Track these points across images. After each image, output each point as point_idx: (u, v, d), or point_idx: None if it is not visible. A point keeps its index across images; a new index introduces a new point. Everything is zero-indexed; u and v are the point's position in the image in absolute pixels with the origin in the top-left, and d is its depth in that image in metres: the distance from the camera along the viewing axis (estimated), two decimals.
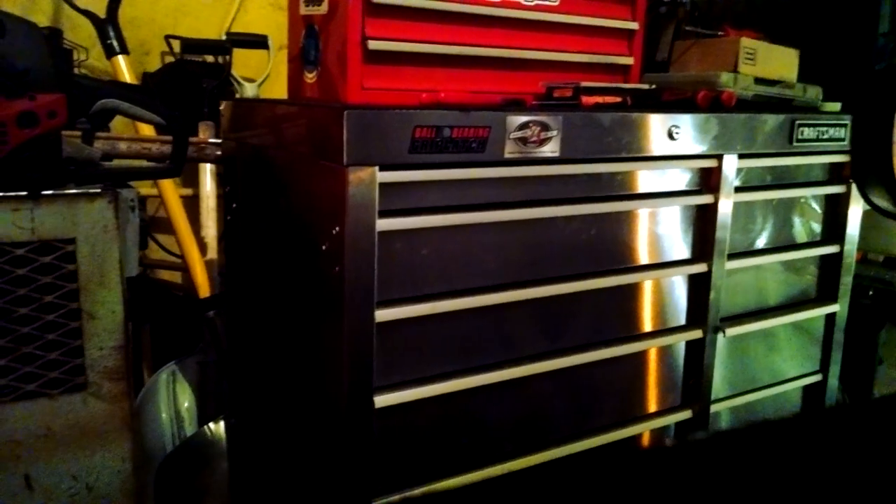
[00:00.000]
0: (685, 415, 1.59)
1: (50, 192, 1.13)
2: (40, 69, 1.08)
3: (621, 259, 1.45)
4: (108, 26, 1.96)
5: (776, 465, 0.59)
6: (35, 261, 1.14)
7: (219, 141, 1.68)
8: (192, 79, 2.08)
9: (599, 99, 1.39)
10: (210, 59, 2.18)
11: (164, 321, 2.19)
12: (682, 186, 1.50)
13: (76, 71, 1.99)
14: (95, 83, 1.36)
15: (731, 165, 1.51)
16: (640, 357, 1.53)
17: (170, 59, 2.21)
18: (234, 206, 1.59)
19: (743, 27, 1.90)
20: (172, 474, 1.76)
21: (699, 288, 1.55)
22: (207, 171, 2.11)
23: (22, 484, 1.19)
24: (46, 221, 1.14)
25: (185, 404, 1.91)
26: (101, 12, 1.96)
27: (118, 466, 1.25)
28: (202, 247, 2.09)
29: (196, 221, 2.11)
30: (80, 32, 2.04)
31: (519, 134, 1.22)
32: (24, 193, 1.12)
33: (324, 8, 1.39)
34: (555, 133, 1.26)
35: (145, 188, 2.10)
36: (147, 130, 1.90)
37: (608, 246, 1.42)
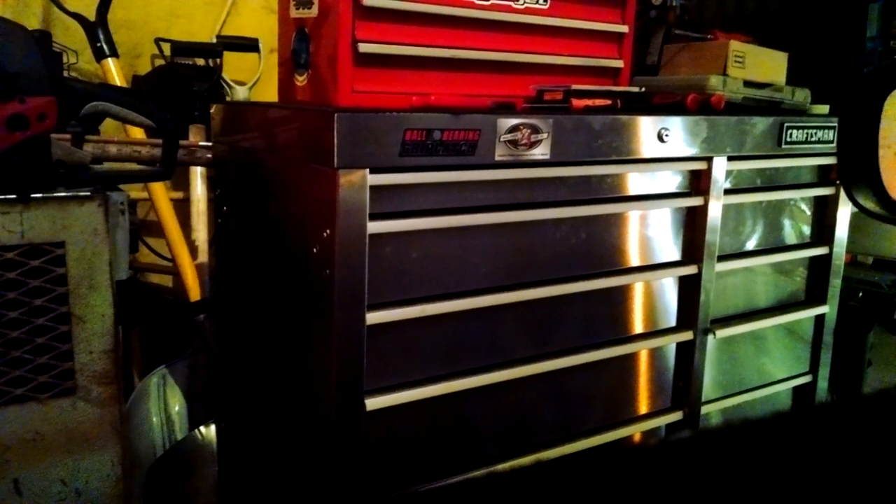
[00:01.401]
0: (675, 416, 1.60)
1: (39, 195, 1.13)
2: (31, 72, 1.08)
3: (611, 261, 1.45)
4: (97, 29, 1.95)
5: (762, 463, 0.59)
6: (24, 264, 1.14)
7: (209, 144, 1.67)
8: (183, 82, 2.08)
9: (589, 102, 1.39)
10: (201, 62, 2.18)
11: (155, 325, 2.18)
12: (672, 189, 1.51)
13: (66, 74, 1.98)
14: (85, 86, 1.36)
15: (720, 168, 1.51)
16: (631, 359, 1.53)
17: (160, 62, 2.21)
18: (225, 209, 1.58)
19: (732, 31, 1.91)
20: (162, 478, 1.76)
21: (689, 290, 1.56)
22: (198, 175, 2.11)
23: (11, 489, 1.18)
24: (36, 225, 1.13)
25: (176, 408, 1.90)
26: (91, 15, 1.95)
27: (107, 471, 1.25)
28: (193, 250, 2.08)
29: (187, 225, 2.10)
30: (70, 35, 2.04)
31: (509, 137, 1.22)
32: (14, 196, 1.11)
33: (314, 11, 1.39)
34: (545, 136, 1.26)
35: (136, 191, 2.09)
36: (137, 133, 1.90)
37: (598, 248, 1.43)
